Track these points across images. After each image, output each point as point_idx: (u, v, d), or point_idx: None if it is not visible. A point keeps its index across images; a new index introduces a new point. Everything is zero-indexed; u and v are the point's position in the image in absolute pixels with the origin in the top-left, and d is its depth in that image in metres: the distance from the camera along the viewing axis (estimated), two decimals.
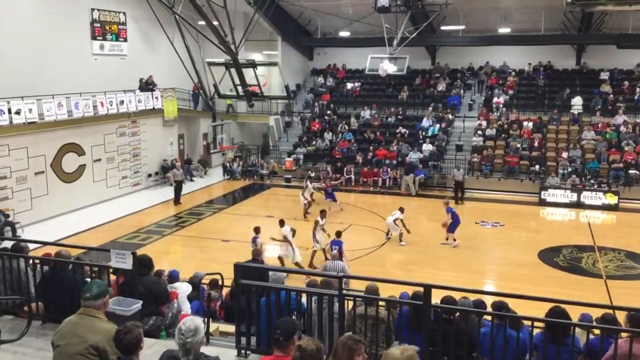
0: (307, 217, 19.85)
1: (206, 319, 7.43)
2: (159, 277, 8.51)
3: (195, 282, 10.60)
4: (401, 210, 18.03)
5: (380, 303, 6.36)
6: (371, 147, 27.13)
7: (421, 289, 5.61)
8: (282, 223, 15.60)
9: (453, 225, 17.53)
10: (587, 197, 22.58)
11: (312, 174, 23.71)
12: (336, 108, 30.83)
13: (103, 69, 23.27)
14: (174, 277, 9.55)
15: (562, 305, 5.73)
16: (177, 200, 22.69)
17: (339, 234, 14.39)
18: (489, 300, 7.08)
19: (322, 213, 16.56)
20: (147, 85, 24.95)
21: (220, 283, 11.62)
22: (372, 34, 26.88)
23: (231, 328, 7.57)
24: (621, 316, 6.32)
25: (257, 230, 14.70)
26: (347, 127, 28.91)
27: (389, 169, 25.67)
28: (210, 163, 29.72)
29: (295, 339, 4.24)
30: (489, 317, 6.16)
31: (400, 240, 17.78)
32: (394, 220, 17.71)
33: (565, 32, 28.08)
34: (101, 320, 4.71)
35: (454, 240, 17.65)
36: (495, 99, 28.64)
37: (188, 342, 4.10)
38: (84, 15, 22.98)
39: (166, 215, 21.19)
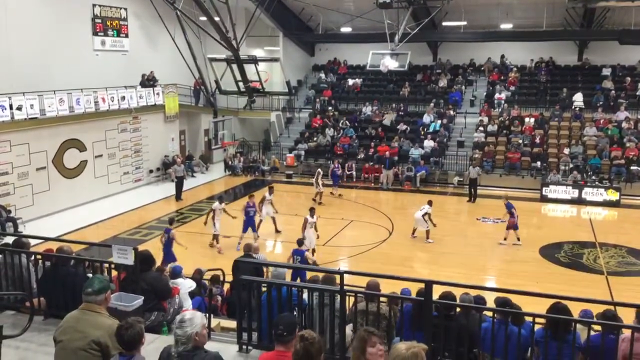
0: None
1: (207, 315, 7.46)
2: (160, 273, 8.53)
3: (197, 278, 10.64)
4: (429, 203, 17.74)
5: (382, 299, 6.37)
6: (372, 144, 27.10)
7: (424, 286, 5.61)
8: (221, 199, 17.45)
9: (514, 222, 17.32)
10: (589, 194, 22.56)
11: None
12: (337, 104, 30.81)
13: (104, 65, 23.27)
14: (176, 272, 9.58)
15: (563, 301, 5.73)
16: (178, 196, 22.70)
17: (300, 242, 13.73)
18: (490, 296, 7.08)
19: (312, 211, 16.14)
20: (148, 81, 24.95)
21: (221, 279, 11.66)
22: (373, 29, 26.83)
23: (233, 324, 7.59)
24: (622, 312, 6.33)
25: (171, 221, 15.18)
26: (347, 124, 28.87)
27: None
28: (211, 159, 29.73)
29: (297, 334, 4.26)
30: (489, 313, 6.16)
31: (427, 238, 17.55)
32: (423, 215, 17.39)
33: (567, 28, 28.03)
34: (103, 316, 4.71)
35: (518, 239, 17.41)
36: (496, 95, 28.59)
37: (177, 332, 4.11)
38: (85, 11, 22.96)
39: (167, 211, 21.16)
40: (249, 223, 16.91)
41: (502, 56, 30.60)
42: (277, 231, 18.28)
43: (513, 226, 17.32)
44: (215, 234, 16.91)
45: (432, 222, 17.55)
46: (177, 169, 22.95)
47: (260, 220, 17.97)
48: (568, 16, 27.20)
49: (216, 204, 17.14)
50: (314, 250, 15.39)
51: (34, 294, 6.68)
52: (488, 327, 5.79)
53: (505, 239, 17.50)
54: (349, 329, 5.96)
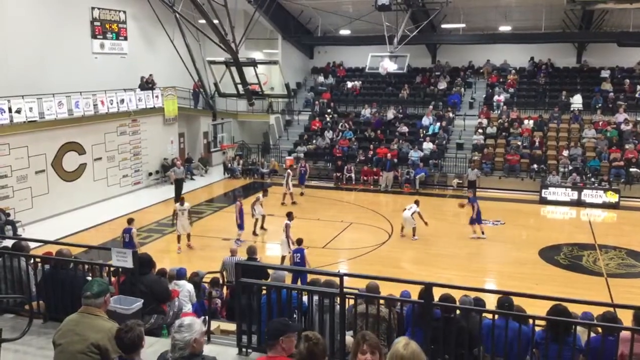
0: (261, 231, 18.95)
1: (207, 318, 7.44)
2: (161, 276, 8.53)
3: (196, 280, 10.63)
4: (417, 203, 18.27)
5: (381, 301, 6.36)
6: (371, 146, 27.10)
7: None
8: (182, 200, 17.67)
9: (478, 217, 17.99)
10: (588, 196, 22.55)
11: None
12: (337, 107, 30.82)
13: (103, 68, 23.27)
14: (181, 274, 9.56)
15: (563, 304, 5.73)
16: (177, 198, 22.63)
17: (300, 241, 13.84)
18: (490, 298, 7.08)
19: (290, 215, 15.91)
20: (147, 84, 24.95)
21: (221, 282, 11.64)
22: (372, 32, 26.84)
23: (232, 326, 7.57)
24: (622, 314, 6.32)
25: (130, 221, 15.31)
26: (347, 126, 28.88)
27: None
28: (210, 162, 29.72)
29: (281, 340, 4.16)
30: (490, 315, 6.15)
31: (414, 235, 17.96)
32: (412, 214, 17.87)
33: (566, 30, 28.05)
34: (102, 319, 4.70)
35: (482, 232, 18.09)
36: (495, 97, 28.61)
37: (175, 337, 4.09)
38: (84, 14, 22.97)
39: (167, 214, 21.12)
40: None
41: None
42: (262, 228, 18.82)
43: (477, 221, 18.05)
44: (178, 235, 17.24)
45: (424, 220, 18.00)
46: (177, 171, 22.95)
47: (256, 220, 18.56)
48: (566, 18, 27.23)
49: (177, 205, 17.44)
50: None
51: (33, 297, 6.67)
52: (489, 324, 5.76)
53: (474, 232, 18.14)
54: (349, 335, 5.94)
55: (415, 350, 3.50)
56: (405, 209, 18.27)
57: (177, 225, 17.18)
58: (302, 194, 23.99)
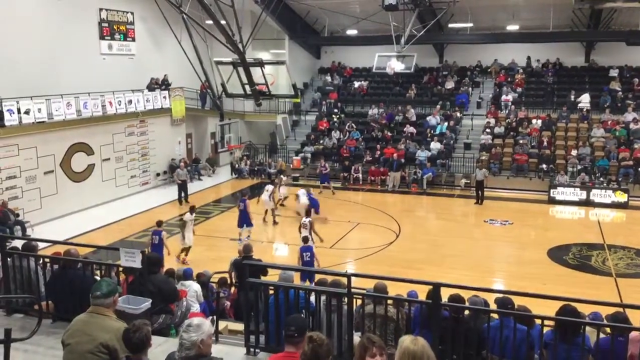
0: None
1: (215, 317, 7.46)
2: (169, 276, 8.54)
3: (203, 281, 10.64)
4: (273, 183, 20.10)
5: (389, 302, 6.35)
6: (379, 146, 27.07)
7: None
8: (192, 209, 16.79)
9: (316, 208, 19.00)
10: (597, 195, 22.42)
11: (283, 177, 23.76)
12: (344, 106, 30.81)
13: (111, 69, 23.35)
14: (187, 274, 9.58)
15: (572, 304, 5.69)
16: (181, 200, 22.59)
17: (306, 239, 13.84)
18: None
19: (308, 212, 15.94)
20: (157, 84, 25.00)
21: (229, 282, 11.65)
22: (379, 32, 26.83)
23: (240, 326, 7.58)
24: (631, 314, 6.28)
25: (159, 223, 15.22)
26: (354, 126, 28.87)
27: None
28: (218, 162, 29.78)
29: (307, 335, 4.24)
30: (497, 315, 6.12)
31: (274, 220, 19.43)
32: (270, 196, 19.33)
33: (574, 29, 27.92)
34: (111, 319, 4.72)
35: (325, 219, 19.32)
36: (503, 97, 28.49)
37: (182, 335, 4.11)
38: (92, 15, 23.06)
39: (174, 214, 21.20)
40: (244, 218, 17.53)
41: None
42: (265, 220, 19.52)
43: (316, 211, 18.77)
44: (185, 247, 15.98)
45: (276, 203, 19.96)
46: (180, 173, 22.92)
47: (279, 200, 19.96)
48: (575, 17, 27.10)
49: (187, 215, 16.25)
50: None
51: (42, 297, 6.70)
52: (496, 326, 5.74)
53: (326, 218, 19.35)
54: (357, 336, 5.93)
55: (425, 344, 3.52)
56: (263, 192, 19.57)
57: (185, 238, 15.90)
58: (320, 192, 23.68)
